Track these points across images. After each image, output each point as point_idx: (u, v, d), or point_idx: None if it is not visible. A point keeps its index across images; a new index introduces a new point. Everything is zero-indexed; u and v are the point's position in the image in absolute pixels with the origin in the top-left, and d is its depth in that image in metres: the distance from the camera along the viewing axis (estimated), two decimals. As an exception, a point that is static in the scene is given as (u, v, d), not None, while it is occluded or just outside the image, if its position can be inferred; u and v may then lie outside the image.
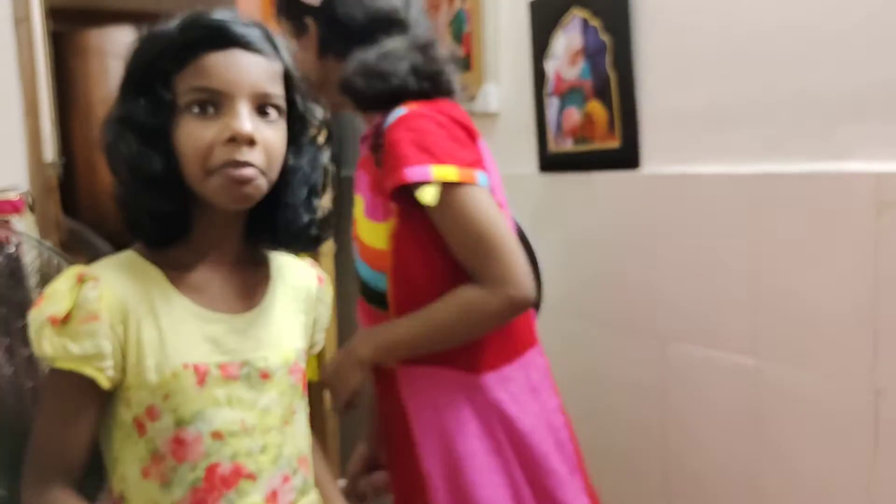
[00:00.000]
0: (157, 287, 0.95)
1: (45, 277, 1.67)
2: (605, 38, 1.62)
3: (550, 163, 1.80)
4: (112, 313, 0.91)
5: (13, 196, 2.12)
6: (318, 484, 1.11)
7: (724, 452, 1.45)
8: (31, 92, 2.41)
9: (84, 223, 3.55)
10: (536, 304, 1.52)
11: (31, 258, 1.90)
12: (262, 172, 0.93)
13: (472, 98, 1.98)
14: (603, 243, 1.69)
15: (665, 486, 1.59)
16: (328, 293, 1.16)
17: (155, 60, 0.92)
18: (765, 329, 1.36)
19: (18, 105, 2.35)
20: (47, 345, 0.89)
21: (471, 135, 1.30)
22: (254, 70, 0.92)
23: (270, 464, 0.98)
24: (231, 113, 0.90)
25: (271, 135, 0.93)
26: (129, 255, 0.99)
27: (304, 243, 1.03)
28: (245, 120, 0.90)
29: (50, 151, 2.60)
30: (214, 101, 0.90)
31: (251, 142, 0.90)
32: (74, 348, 0.89)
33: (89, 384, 0.90)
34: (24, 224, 2.13)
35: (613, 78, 1.61)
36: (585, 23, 1.66)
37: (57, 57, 3.71)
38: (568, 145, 1.75)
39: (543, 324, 1.58)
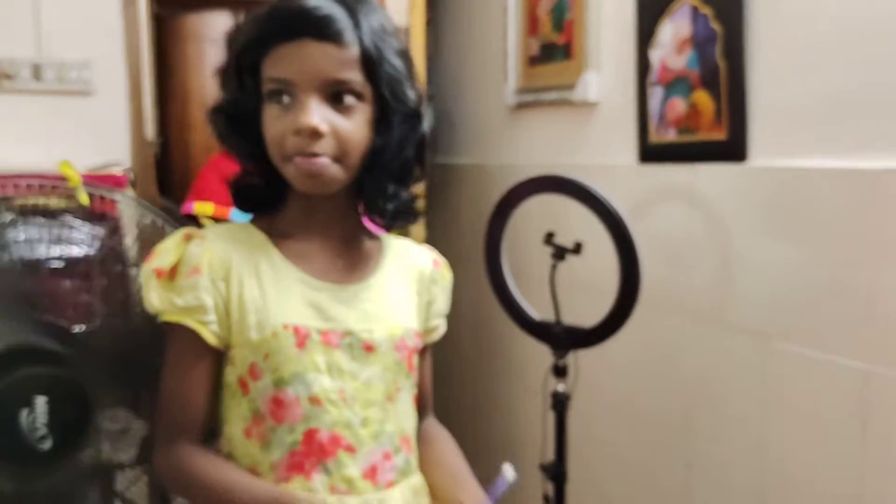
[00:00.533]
0: (262, 251, 0.98)
1: (151, 241, 1.70)
2: (715, 26, 1.56)
3: (651, 154, 1.75)
4: (214, 269, 0.94)
5: (117, 171, 2.20)
6: (446, 466, 1.08)
7: (826, 459, 1.39)
8: (136, 73, 2.49)
9: (176, 202, 3.66)
10: (633, 299, 1.48)
11: (133, 225, 1.96)
12: (336, 160, 0.93)
13: (571, 87, 1.95)
14: (705, 237, 1.64)
15: (760, 493, 1.53)
16: (445, 277, 1.16)
17: (243, 49, 0.95)
18: (877, 332, 1.29)
19: (124, 85, 2.44)
20: (154, 297, 0.93)
21: None
22: (322, 59, 0.92)
23: (371, 439, 0.97)
24: (300, 105, 0.92)
25: (345, 123, 0.93)
26: (240, 224, 1.03)
27: (388, 222, 1.03)
28: (311, 113, 0.91)
29: (150, 131, 2.69)
30: (287, 91, 0.92)
31: (318, 133, 0.91)
32: (178, 300, 0.92)
33: (198, 339, 0.93)
34: (122, 201, 2.21)
35: (723, 67, 1.56)
36: (695, 10, 1.61)
37: (156, 40, 3.83)
38: (671, 136, 1.70)
39: (640, 320, 1.55)
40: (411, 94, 1.00)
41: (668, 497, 1.78)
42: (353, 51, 0.93)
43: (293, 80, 0.91)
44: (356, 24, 0.94)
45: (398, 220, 1.04)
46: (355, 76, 0.94)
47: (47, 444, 1.04)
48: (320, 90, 0.92)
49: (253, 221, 1.02)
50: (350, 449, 0.96)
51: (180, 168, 4.26)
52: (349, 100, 0.93)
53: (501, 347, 2.41)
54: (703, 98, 1.61)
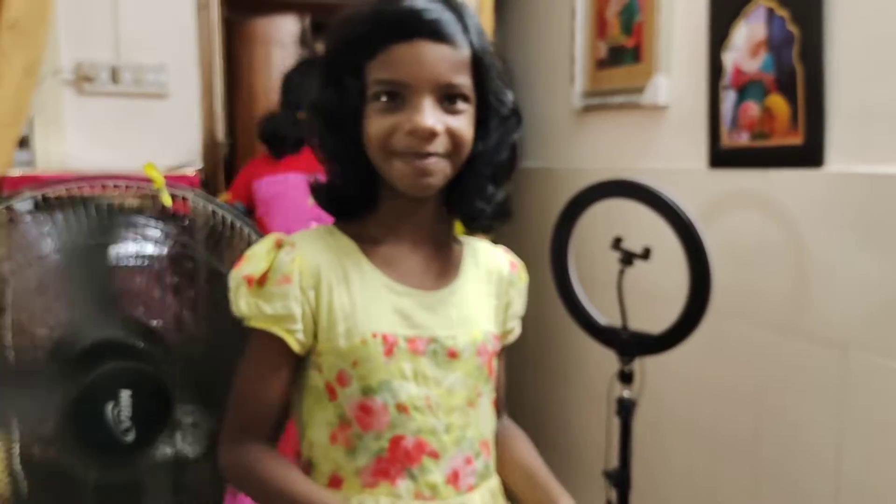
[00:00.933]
0: (350, 257, 0.97)
1: (221, 239, 1.74)
2: (792, 28, 1.53)
3: (723, 158, 1.72)
4: (304, 278, 0.93)
5: (190, 172, 2.26)
6: (525, 467, 1.10)
7: (906, 477, 1.34)
8: (208, 75, 2.56)
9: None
10: (703, 306, 1.46)
11: (205, 224, 2.01)
12: (447, 157, 0.93)
13: (639, 91, 1.93)
14: (778, 244, 1.60)
15: (833, 508, 1.49)
16: (521, 279, 1.15)
17: (346, 49, 0.93)
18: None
19: (196, 88, 2.51)
20: (243, 303, 0.93)
21: None
22: (439, 62, 0.91)
23: (453, 444, 0.98)
24: (414, 106, 0.90)
25: (457, 123, 0.93)
26: (326, 228, 1.01)
27: (486, 223, 1.02)
28: (427, 114, 0.90)
29: (221, 132, 2.75)
30: (400, 93, 0.91)
31: (434, 134, 0.90)
32: (267, 308, 0.92)
33: (283, 345, 0.94)
34: (195, 200, 2.27)
35: (800, 71, 1.52)
36: (771, 13, 1.57)
37: (225, 43, 3.92)
38: (743, 140, 1.66)
39: (710, 328, 1.52)
40: (510, 96, 0.99)
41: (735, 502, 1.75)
42: (465, 53, 0.93)
43: (408, 82, 0.90)
44: (465, 27, 0.94)
45: (495, 221, 1.02)
46: (466, 79, 0.93)
47: (131, 437, 1.08)
48: (434, 92, 0.91)
49: (339, 226, 1.00)
50: (434, 455, 0.96)
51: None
52: (459, 103, 0.93)
53: (565, 352, 2.39)
54: (778, 102, 1.58)
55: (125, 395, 1.07)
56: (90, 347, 1.09)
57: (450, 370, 0.97)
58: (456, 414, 0.98)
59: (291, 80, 2.56)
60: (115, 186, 1.24)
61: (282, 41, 4.40)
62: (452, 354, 0.98)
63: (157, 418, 1.10)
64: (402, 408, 0.94)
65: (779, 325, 1.61)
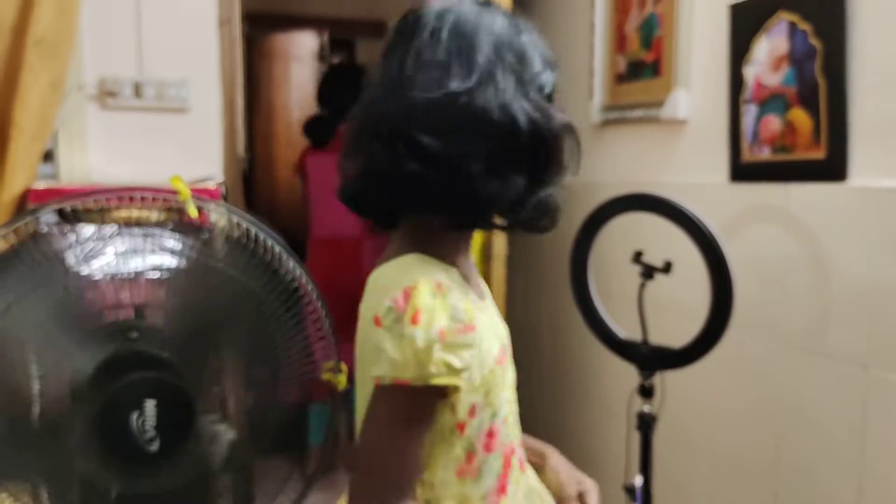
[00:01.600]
0: (462, 287, 0.92)
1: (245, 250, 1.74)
2: (815, 42, 1.53)
3: (744, 172, 1.72)
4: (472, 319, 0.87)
5: (211, 185, 2.28)
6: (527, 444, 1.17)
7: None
8: (230, 90, 2.59)
9: (259, 216, 3.78)
10: (725, 321, 1.45)
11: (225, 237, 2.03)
12: None
13: (659, 105, 1.93)
14: (800, 260, 1.59)
15: (858, 526, 1.47)
16: None
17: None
18: None
19: (217, 102, 2.53)
20: (434, 365, 0.82)
21: None
22: None
23: (517, 434, 1.02)
24: None
25: None
26: (429, 259, 0.91)
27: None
28: None
29: (241, 147, 2.78)
30: None
31: None
32: (457, 362, 0.84)
33: (441, 396, 0.87)
34: (216, 212, 2.29)
35: (823, 84, 1.52)
36: (793, 27, 1.57)
37: (245, 58, 3.96)
38: (765, 154, 1.66)
39: (730, 345, 1.51)
40: None
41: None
42: None
43: None
44: None
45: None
46: None
47: (155, 446, 1.08)
48: None
49: (421, 253, 0.91)
50: (514, 451, 1.01)
51: (264, 181, 4.40)
52: None
53: (583, 367, 2.38)
54: (800, 116, 1.58)
55: (150, 405, 1.07)
56: (113, 358, 1.10)
57: (509, 369, 1.01)
58: (514, 405, 1.03)
59: (328, 87, 3.07)
60: (143, 199, 1.26)
61: (300, 56, 4.45)
62: (508, 353, 1.01)
63: (181, 428, 1.11)
64: (505, 420, 0.96)
65: (800, 341, 1.59)
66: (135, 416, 1.07)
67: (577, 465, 2.39)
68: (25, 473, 1.19)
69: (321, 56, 4.42)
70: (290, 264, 1.27)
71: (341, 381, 1.31)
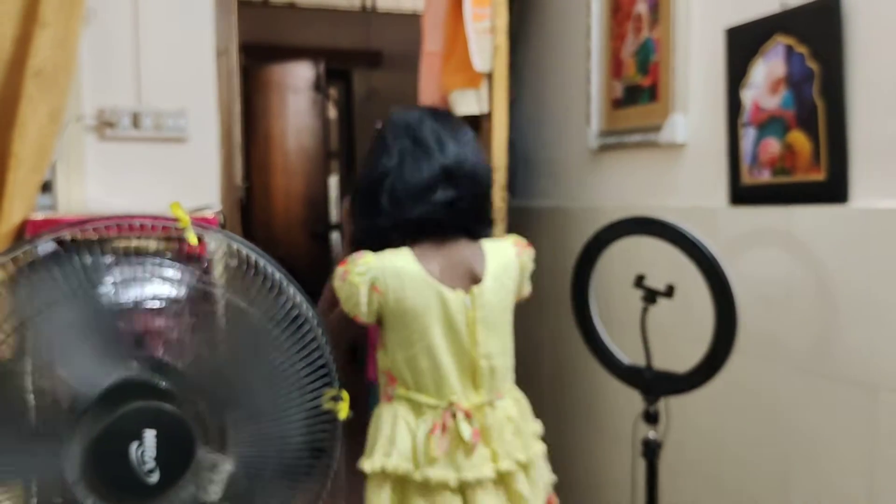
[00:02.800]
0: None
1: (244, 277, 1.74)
2: (812, 65, 1.54)
3: (743, 196, 1.72)
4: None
5: (209, 214, 2.27)
6: None
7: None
8: (227, 120, 2.59)
9: (256, 243, 3.77)
10: (730, 345, 1.44)
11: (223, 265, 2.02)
12: None
13: (656, 129, 1.93)
14: (803, 282, 1.58)
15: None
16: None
17: None
18: None
19: (215, 132, 2.54)
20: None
21: None
22: None
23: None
24: None
25: None
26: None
27: None
28: None
29: (239, 175, 2.78)
30: None
31: None
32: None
33: None
34: (214, 241, 2.28)
35: (821, 106, 1.52)
36: (790, 50, 1.58)
37: (242, 89, 3.98)
38: (765, 177, 1.66)
39: (734, 369, 1.50)
40: None
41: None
42: None
43: None
44: None
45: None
46: None
47: (155, 478, 1.06)
48: None
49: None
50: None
51: (261, 210, 4.40)
52: None
53: (583, 391, 2.36)
54: (799, 138, 1.58)
55: (150, 435, 1.05)
56: (113, 387, 1.08)
57: None
58: None
59: None
60: (142, 226, 1.25)
61: (297, 87, 4.47)
62: None
63: (180, 459, 1.08)
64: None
65: (805, 366, 1.58)
66: (134, 446, 1.05)
67: (581, 491, 2.36)
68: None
69: (317, 86, 4.45)
70: (291, 290, 1.26)
71: (343, 409, 1.29)
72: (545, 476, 1.60)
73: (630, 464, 1.62)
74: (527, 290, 1.61)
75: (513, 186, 2.59)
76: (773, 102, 1.63)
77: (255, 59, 4.53)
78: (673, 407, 1.60)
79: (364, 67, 4.97)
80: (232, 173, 2.61)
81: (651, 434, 1.55)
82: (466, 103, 2.27)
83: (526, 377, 2.69)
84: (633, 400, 1.63)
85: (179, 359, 1.22)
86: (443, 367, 1.44)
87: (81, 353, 1.09)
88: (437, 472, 1.41)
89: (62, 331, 1.17)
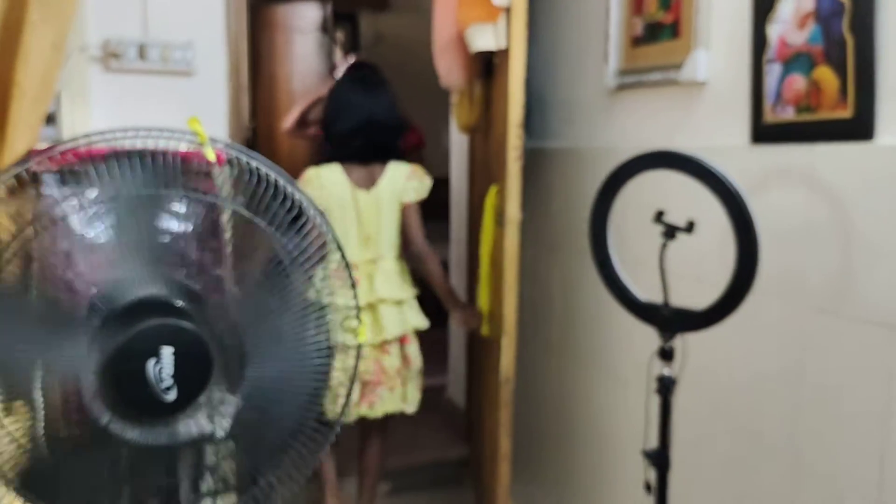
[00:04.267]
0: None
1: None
2: (842, -2, 1.49)
3: (766, 134, 1.69)
4: None
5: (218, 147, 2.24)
6: None
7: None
8: (235, 60, 2.54)
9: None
10: (750, 280, 1.42)
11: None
12: None
13: (677, 67, 1.89)
14: (825, 222, 1.56)
15: None
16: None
17: None
18: None
19: (223, 66, 2.49)
20: None
21: None
22: None
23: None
24: None
25: None
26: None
27: None
28: None
29: (246, 111, 2.73)
30: None
31: None
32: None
33: None
34: (221, 177, 2.25)
35: (850, 42, 1.48)
36: (820, -18, 1.53)
37: (249, 30, 3.90)
38: (788, 115, 1.63)
39: (751, 310, 1.49)
40: None
41: (771, 495, 1.70)
42: None
43: None
44: None
45: None
46: None
47: (172, 396, 1.05)
48: None
49: None
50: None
51: (266, 153, 4.35)
52: None
53: (593, 336, 2.36)
54: (826, 74, 1.54)
55: (167, 352, 1.04)
56: (131, 305, 1.07)
57: None
58: None
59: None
60: (162, 138, 1.22)
61: (303, 28, 4.38)
62: None
63: (197, 378, 1.07)
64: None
65: (824, 306, 1.57)
66: (152, 363, 1.04)
67: (591, 433, 2.38)
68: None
69: (324, 28, 4.36)
70: (306, 206, 1.24)
71: (362, 332, 1.28)
72: (413, 317, 2.51)
73: (643, 402, 1.61)
74: (406, 198, 2.48)
75: (528, 126, 2.55)
76: (801, 38, 1.59)
77: (262, -1, 4.43)
78: (689, 346, 1.59)
79: (371, 10, 4.87)
80: (240, 108, 2.57)
81: (666, 371, 1.54)
82: (483, 38, 2.22)
83: (536, 320, 2.69)
84: (644, 342, 1.61)
85: (196, 276, 1.19)
86: (348, 234, 2.32)
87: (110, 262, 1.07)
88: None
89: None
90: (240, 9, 2.59)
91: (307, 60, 4.43)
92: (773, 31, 1.65)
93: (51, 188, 1.60)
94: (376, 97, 2.51)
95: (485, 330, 2.52)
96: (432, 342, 4.07)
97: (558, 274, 2.55)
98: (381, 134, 2.49)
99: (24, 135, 2.10)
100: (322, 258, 1.22)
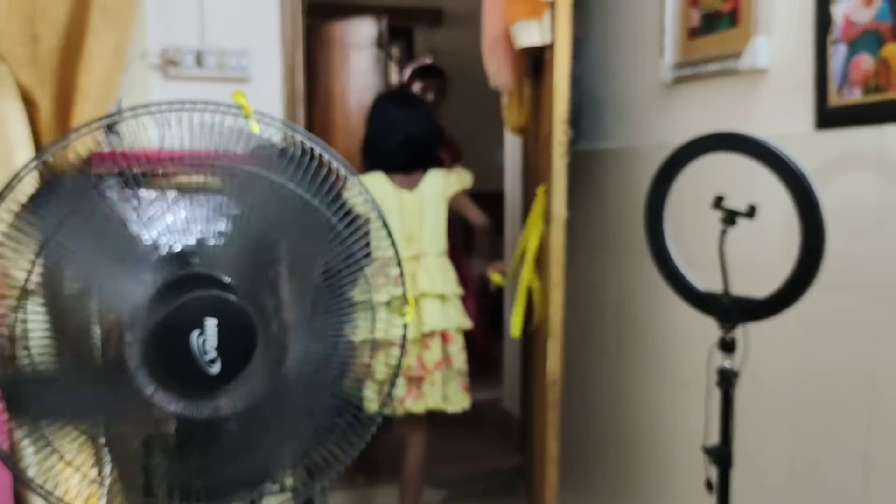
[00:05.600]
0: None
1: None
2: (912, -30, 1.42)
3: (831, 118, 1.61)
4: None
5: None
6: None
7: None
8: (291, 66, 2.57)
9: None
10: (815, 267, 1.35)
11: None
12: None
13: (737, 56, 1.83)
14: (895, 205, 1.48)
15: None
16: None
17: None
18: None
19: (278, 72, 2.52)
20: None
21: None
22: None
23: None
24: None
25: None
26: None
27: None
28: None
29: (301, 115, 2.76)
30: None
31: None
32: None
33: None
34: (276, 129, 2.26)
35: (922, 15, 1.41)
36: (887, -44, 1.47)
37: (304, 45, 3.96)
38: (856, 97, 1.55)
39: (819, 303, 1.41)
40: None
41: (840, 496, 1.60)
42: None
43: None
44: None
45: None
46: None
47: (216, 368, 1.04)
48: None
49: None
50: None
51: (322, 167, 4.40)
52: None
53: (650, 337, 2.29)
54: (895, 52, 1.47)
55: (211, 324, 1.03)
56: (175, 279, 1.06)
57: None
58: None
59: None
60: (208, 110, 1.23)
61: (359, 44, 4.44)
62: None
63: (242, 350, 1.06)
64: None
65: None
66: (195, 334, 1.03)
67: (649, 437, 2.29)
68: (90, 411, 1.16)
69: (379, 43, 4.41)
70: (355, 183, 1.22)
71: (409, 312, 1.26)
72: (456, 315, 2.55)
73: (703, 404, 1.54)
74: (449, 192, 2.59)
75: (578, 126, 2.51)
76: (867, 15, 1.52)
77: (317, 17, 4.50)
78: (753, 341, 1.51)
79: (426, 26, 4.91)
80: (295, 111, 2.59)
81: (727, 363, 1.47)
82: (528, 34, 2.20)
83: (591, 323, 2.63)
84: (703, 342, 1.54)
85: (243, 251, 1.18)
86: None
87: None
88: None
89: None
90: (295, 16, 2.62)
91: (363, 76, 4.47)
92: (838, 11, 1.58)
93: (112, 190, 1.63)
94: (412, 114, 2.65)
95: (515, 331, 2.49)
96: (485, 360, 4.06)
97: (615, 276, 2.48)
98: (419, 148, 2.62)
99: (87, 137, 2.15)
100: (369, 253, 1.20)
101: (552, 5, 2.13)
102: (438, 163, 2.71)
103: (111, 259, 1.11)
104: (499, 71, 2.48)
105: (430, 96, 3.64)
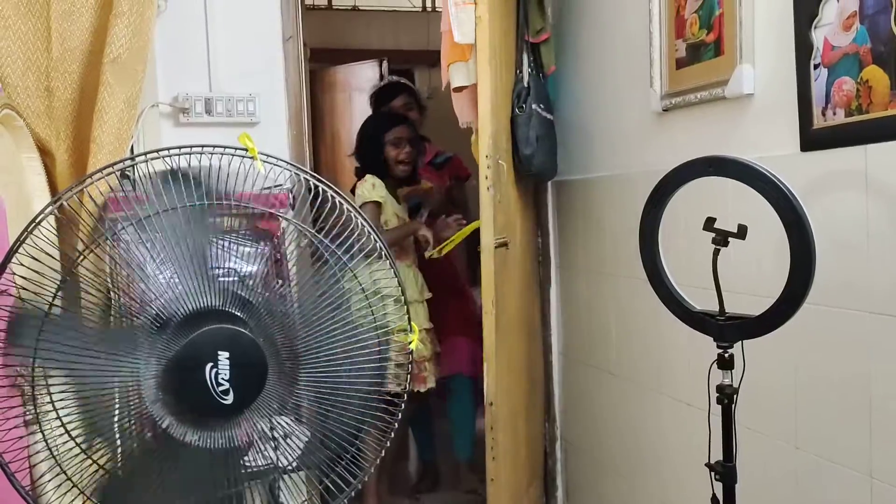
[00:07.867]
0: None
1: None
2: (886, -5, 1.49)
3: (816, 140, 1.67)
4: None
5: (278, 191, 2.33)
6: None
7: None
8: (297, 107, 2.66)
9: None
10: (808, 280, 1.39)
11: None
12: None
13: (723, 83, 1.89)
14: (882, 226, 1.52)
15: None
16: None
17: None
18: None
19: (285, 115, 2.61)
20: None
21: None
22: None
23: None
24: None
25: None
26: None
27: None
28: None
29: (308, 155, 2.84)
30: None
31: None
32: None
33: None
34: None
35: (897, 37, 1.47)
36: (862, -17, 1.53)
37: (309, 89, 4.07)
38: (838, 118, 1.61)
39: (812, 320, 1.45)
40: None
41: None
42: None
43: None
44: None
45: None
46: None
47: (229, 399, 1.09)
48: None
49: None
50: None
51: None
52: None
53: (648, 356, 2.33)
54: (875, 73, 1.52)
55: (223, 357, 1.08)
56: (191, 314, 1.12)
57: None
58: None
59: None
60: (216, 153, 1.29)
61: (361, 87, 4.55)
62: None
63: (253, 382, 1.11)
64: None
65: (889, 311, 1.51)
66: (209, 367, 1.08)
67: (652, 457, 2.31)
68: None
69: (382, 85, 4.52)
70: (359, 223, 1.28)
71: (414, 340, 1.31)
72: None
73: (706, 422, 1.57)
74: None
75: (534, 159, 2.58)
76: (846, 39, 1.58)
77: (321, 63, 4.62)
78: (749, 361, 1.55)
79: (425, 66, 5.02)
80: (302, 152, 2.68)
81: (726, 380, 1.51)
82: (458, 76, 2.48)
83: (593, 349, 2.66)
84: (702, 362, 1.58)
85: (257, 294, 1.24)
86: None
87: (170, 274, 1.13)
88: None
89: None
90: (299, 62, 2.72)
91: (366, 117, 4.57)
92: (818, 36, 1.65)
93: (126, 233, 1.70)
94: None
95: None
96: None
97: (613, 301, 2.53)
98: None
99: (101, 184, 2.23)
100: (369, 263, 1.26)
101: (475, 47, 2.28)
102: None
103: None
104: (461, 110, 2.67)
105: (413, 115, 3.60)
